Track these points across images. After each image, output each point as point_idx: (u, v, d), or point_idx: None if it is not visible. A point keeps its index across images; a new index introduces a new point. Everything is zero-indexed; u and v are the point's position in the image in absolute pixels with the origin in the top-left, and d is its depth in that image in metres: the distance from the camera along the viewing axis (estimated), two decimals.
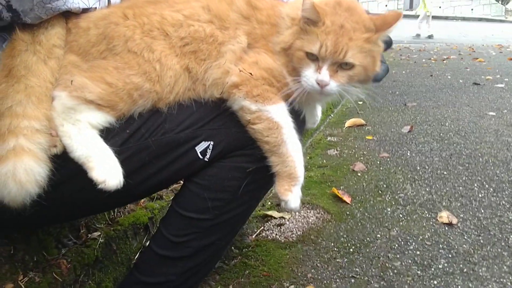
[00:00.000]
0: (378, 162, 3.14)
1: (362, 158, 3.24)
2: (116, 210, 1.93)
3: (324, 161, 3.20)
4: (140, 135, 1.29)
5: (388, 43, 1.43)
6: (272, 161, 1.30)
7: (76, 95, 1.20)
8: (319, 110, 1.66)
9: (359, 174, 2.94)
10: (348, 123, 4.13)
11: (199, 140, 1.31)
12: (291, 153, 1.28)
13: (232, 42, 1.32)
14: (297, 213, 2.38)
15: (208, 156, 1.32)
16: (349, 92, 1.31)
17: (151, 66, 1.27)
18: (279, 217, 2.34)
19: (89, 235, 1.75)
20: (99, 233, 1.74)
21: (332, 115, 4.62)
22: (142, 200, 2.07)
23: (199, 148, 1.31)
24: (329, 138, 3.74)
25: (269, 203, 2.54)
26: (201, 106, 1.32)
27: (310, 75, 1.25)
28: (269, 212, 2.37)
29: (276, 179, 1.32)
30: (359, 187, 2.74)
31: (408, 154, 3.29)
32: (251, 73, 1.27)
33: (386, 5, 24.32)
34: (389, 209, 2.44)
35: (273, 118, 1.27)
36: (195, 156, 1.31)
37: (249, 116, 1.28)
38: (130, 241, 1.85)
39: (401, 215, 2.37)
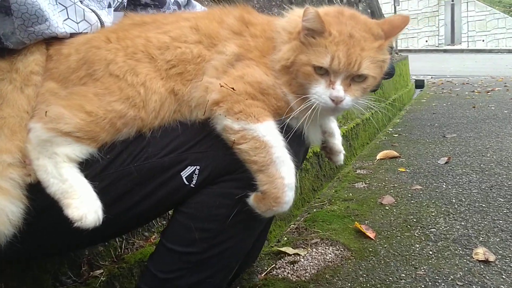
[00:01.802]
0: (410, 195, 2.89)
1: (392, 191, 3.00)
2: (123, 246, 1.80)
3: (350, 194, 2.97)
4: (121, 161, 1.18)
5: (390, 74, 1.36)
6: (260, 179, 1.15)
7: (51, 127, 1.12)
8: (337, 133, 1.52)
9: (387, 208, 2.69)
10: (380, 155, 3.90)
11: (184, 165, 1.19)
12: (281, 174, 1.13)
13: (216, 58, 1.23)
14: (313, 249, 2.16)
15: (194, 181, 1.20)
16: (359, 105, 1.24)
17: (135, 90, 1.18)
18: (294, 254, 2.13)
19: (91, 273, 1.62)
20: (102, 271, 1.62)
21: (362, 150, 4.39)
22: (153, 236, 1.93)
23: (184, 174, 1.19)
24: (358, 171, 3.51)
25: (285, 238, 2.34)
26: (187, 128, 1.22)
27: (322, 92, 1.15)
28: (283, 249, 2.17)
29: (260, 194, 1.16)
30: (386, 221, 2.50)
31: (444, 186, 3.02)
32: (233, 88, 1.15)
33: (426, 41, 23.98)
34: (417, 245, 2.18)
35: (259, 137, 1.14)
36: (180, 182, 1.19)
37: (233, 136, 1.15)
38: (135, 279, 1.70)
39: (430, 252, 2.11)
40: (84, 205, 1.08)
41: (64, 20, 1.27)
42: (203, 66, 1.23)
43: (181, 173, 1.19)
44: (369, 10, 8.40)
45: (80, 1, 1.36)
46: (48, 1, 1.25)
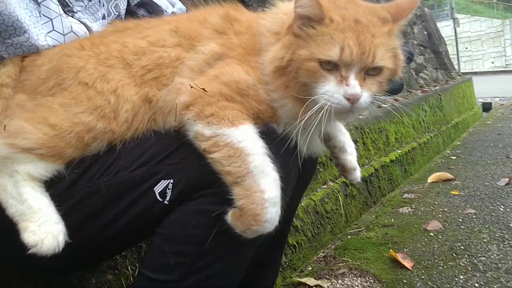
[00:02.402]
0: (460, 220, 2.55)
1: (440, 215, 2.66)
2: (135, 275, 1.63)
3: (392, 220, 2.67)
4: (90, 176, 1.07)
5: (398, 89, 1.29)
6: (236, 193, 0.99)
7: (10, 143, 1.02)
8: (350, 147, 1.35)
9: (431, 234, 2.37)
10: (432, 178, 3.54)
11: (157, 179, 1.05)
12: (260, 187, 0.97)
13: (193, 57, 1.11)
14: (339, 281, 1.90)
15: (168, 197, 1.04)
16: (375, 102, 1.09)
17: (105, 98, 1.07)
18: (315, 286, 1.88)
19: None
20: None
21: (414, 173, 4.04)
22: None
23: (157, 189, 1.05)
24: (405, 195, 3.18)
25: (309, 268, 2.09)
26: (161, 138, 1.09)
27: (334, 90, 0.99)
28: (304, 279, 1.92)
29: (238, 211, 0.99)
30: (428, 249, 2.18)
31: (501, 209, 2.65)
32: (204, 89, 1.01)
33: (492, 62, 22.74)
34: (462, 277, 1.86)
35: (233, 143, 0.99)
36: (153, 198, 1.05)
37: (204, 143, 1.01)
38: None
39: (476, 284, 1.78)
40: (41, 230, 0.98)
41: (48, 32, 1.21)
42: (181, 69, 1.11)
43: (154, 188, 1.05)
44: (425, 32, 8.05)
45: (72, 14, 1.29)
46: (30, 13, 1.19)
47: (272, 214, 0.97)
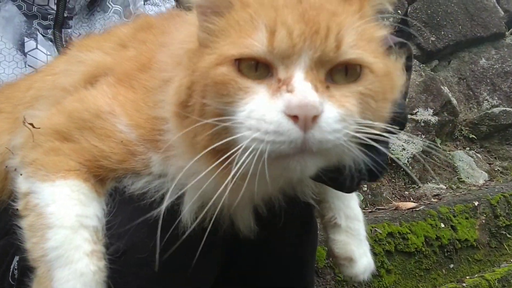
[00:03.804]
0: None
1: None
2: None
3: None
4: None
5: (402, 123, 0.75)
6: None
7: None
8: (347, 217, 0.94)
9: None
10: None
11: (12, 253, 0.85)
12: (52, 283, 0.69)
13: (67, 73, 0.89)
14: None
15: (16, 277, 0.84)
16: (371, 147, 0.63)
17: None
18: None
19: None
20: None
21: None
22: None
23: (12, 266, 0.85)
24: None
25: None
26: None
27: (264, 105, 0.59)
28: None
29: None
30: None
31: None
32: (32, 124, 0.75)
33: None
34: None
35: (40, 206, 0.73)
36: (8, 282, 0.85)
37: (18, 203, 0.77)
38: None
39: None
40: None
41: None
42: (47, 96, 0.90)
43: (11, 266, 0.84)
44: None
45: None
46: (15, 65, 1.23)
47: None
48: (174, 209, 0.72)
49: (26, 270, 0.75)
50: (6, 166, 0.81)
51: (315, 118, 0.56)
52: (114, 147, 0.73)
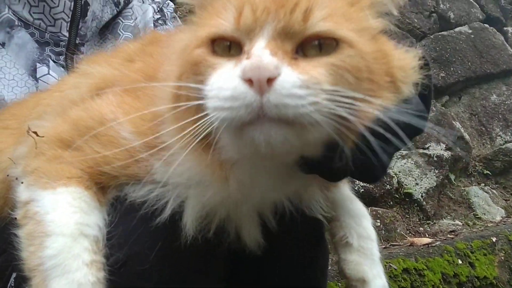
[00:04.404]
0: None
1: None
2: None
3: None
4: None
5: (417, 129, 0.66)
6: None
7: None
8: (360, 237, 0.89)
9: None
10: None
11: (10, 270, 0.83)
12: None
13: (76, 85, 0.90)
14: None
15: None
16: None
17: None
18: None
19: None
20: None
21: None
22: None
23: (10, 283, 0.82)
24: None
25: None
26: None
27: (226, 76, 0.59)
28: None
29: None
30: None
31: None
32: (36, 133, 0.74)
33: None
34: None
35: (40, 214, 0.70)
36: None
37: (17, 212, 0.75)
38: None
39: None
40: None
41: None
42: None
43: (8, 285, 0.82)
44: None
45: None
46: (27, 90, 1.24)
47: None
48: (176, 219, 0.70)
49: (21, 282, 0.72)
50: (8, 175, 0.79)
51: (270, 81, 0.55)
52: (118, 153, 0.72)
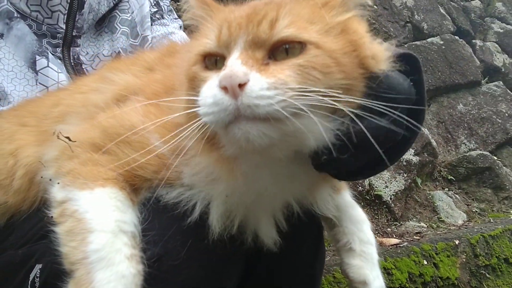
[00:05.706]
0: None
1: None
2: None
3: None
4: None
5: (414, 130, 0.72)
6: None
7: None
8: (361, 241, 0.97)
9: None
10: None
11: (32, 262, 0.86)
12: (92, 285, 0.70)
13: (100, 90, 0.94)
14: None
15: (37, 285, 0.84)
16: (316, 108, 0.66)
17: (3, 161, 0.92)
18: None
19: None
20: None
21: None
22: None
23: (32, 275, 0.85)
24: None
25: None
26: None
27: (210, 85, 0.69)
28: None
29: None
30: None
31: None
32: (68, 138, 0.79)
33: None
34: None
35: (79, 213, 0.75)
36: None
37: (54, 211, 0.79)
38: None
39: None
40: None
41: None
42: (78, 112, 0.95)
43: (30, 275, 0.85)
44: None
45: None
46: (26, 82, 1.26)
47: None
48: (205, 219, 0.77)
49: (52, 276, 0.76)
50: (42, 177, 0.83)
51: (242, 86, 0.64)
52: (150, 158, 0.77)
